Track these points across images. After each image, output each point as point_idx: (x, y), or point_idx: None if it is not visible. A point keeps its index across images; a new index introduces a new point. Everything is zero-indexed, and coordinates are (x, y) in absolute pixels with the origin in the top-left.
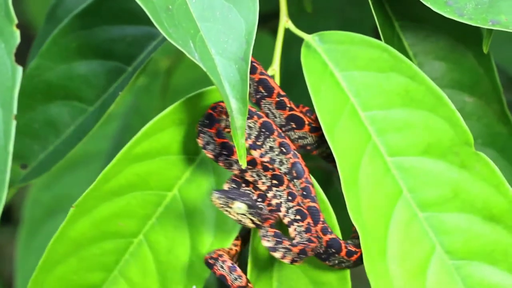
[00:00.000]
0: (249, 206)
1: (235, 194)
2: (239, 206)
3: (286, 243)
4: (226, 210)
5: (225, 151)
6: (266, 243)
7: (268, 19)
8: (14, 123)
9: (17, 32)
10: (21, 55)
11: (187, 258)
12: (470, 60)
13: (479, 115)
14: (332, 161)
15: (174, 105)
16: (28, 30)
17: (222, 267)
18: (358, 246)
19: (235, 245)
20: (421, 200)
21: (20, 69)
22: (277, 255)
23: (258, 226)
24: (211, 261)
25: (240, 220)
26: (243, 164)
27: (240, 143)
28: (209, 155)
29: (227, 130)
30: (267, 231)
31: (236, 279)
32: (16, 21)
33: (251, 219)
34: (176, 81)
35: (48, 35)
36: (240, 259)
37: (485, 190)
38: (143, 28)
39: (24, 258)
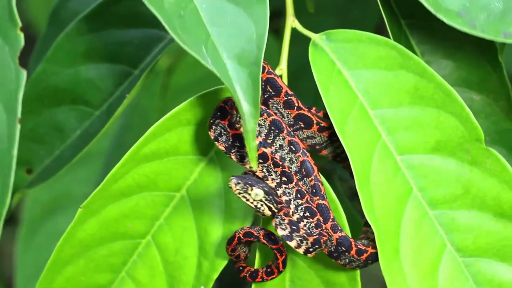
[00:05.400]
0: (266, 192)
1: (253, 180)
2: (257, 192)
3: (302, 231)
4: (244, 196)
5: (238, 142)
6: (281, 232)
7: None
8: (18, 126)
9: (21, 36)
10: (22, 56)
11: (195, 258)
12: (478, 58)
13: (487, 112)
14: (341, 161)
15: (181, 105)
16: (29, 30)
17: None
18: (368, 245)
19: None
20: (431, 198)
21: (24, 72)
22: (292, 244)
23: (274, 214)
24: (232, 234)
25: (258, 207)
26: (254, 167)
27: (252, 146)
28: (221, 147)
29: (237, 125)
30: (283, 219)
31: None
32: (20, 24)
33: (268, 206)
34: (176, 80)
35: (51, 38)
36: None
37: (496, 186)
38: (149, 31)
39: (23, 257)
